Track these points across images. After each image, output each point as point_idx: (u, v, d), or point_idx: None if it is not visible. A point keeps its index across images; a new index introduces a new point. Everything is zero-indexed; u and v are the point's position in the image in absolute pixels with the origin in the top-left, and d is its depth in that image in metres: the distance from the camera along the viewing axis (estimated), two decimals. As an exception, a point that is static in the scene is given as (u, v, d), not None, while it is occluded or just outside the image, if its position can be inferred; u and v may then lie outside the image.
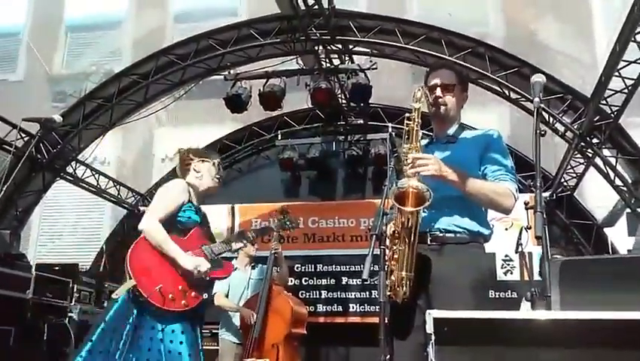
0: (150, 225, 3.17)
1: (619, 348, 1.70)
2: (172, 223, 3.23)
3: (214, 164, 3.60)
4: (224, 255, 3.50)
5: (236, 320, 5.20)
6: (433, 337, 1.78)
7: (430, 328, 1.79)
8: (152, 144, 9.96)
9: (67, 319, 6.02)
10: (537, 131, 2.29)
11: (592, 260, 2.31)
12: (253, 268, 5.50)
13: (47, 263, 7.03)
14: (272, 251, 4.95)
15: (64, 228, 10.05)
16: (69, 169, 7.79)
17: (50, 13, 10.61)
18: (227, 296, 5.40)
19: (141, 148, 10.00)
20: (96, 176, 8.22)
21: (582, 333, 1.69)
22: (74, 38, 10.81)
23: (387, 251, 2.45)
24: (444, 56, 6.03)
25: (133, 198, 8.75)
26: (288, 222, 4.66)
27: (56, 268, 6.38)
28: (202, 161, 3.57)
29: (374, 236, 2.42)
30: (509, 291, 7.08)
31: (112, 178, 8.55)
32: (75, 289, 6.28)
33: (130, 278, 3.02)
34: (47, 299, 5.84)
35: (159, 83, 7.11)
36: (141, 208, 8.46)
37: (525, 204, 2.34)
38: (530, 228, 2.03)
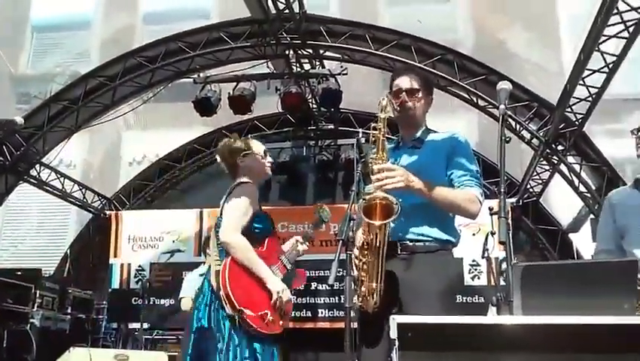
0: (238, 241, 2.97)
1: (578, 352, 1.72)
2: (248, 234, 3.03)
3: (264, 153, 3.39)
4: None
5: None
6: (397, 342, 1.78)
7: (394, 333, 1.79)
8: (120, 147, 9.78)
9: (28, 325, 5.88)
10: (502, 138, 2.31)
11: (553, 265, 2.33)
12: None
13: (9, 268, 6.88)
14: None
15: (27, 232, 9.79)
16: (33, 172, 7.61)
17: (16, 13, 10.37)
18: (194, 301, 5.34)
19: (109, 151, 9.81)
20: (61, 179, 8.05)
21: (542, 337, 1.71)
22: (39, 38, 10.56)
23: (356, 261, 2.46)
24: (414, 63, 6.08)
25: (99, 202, 8.59)
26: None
27: (18, 272, 6.22)
28: (248, 155, 3.31)
29: (341, 241, 2.44)
30: (476, 296, 7.17)
31: (77, 181, 8.39)
32: (37, 295, 6.13)
33: (236, 309, 2.86)
34: (7, 305, 5.69)
35: (127, 85, 7.00)
36: (107, 212, 8.32)
37: (490, 209, 2.35)
38: (495, 233, 2.03)
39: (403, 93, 2.66)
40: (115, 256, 7.98)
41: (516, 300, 1.79)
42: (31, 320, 5.95)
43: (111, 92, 7.05)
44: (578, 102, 5.55)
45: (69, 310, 6.66)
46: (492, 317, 1.76)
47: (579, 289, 1.75)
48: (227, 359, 2.89)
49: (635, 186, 2.75)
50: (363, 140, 3.05)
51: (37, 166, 7.61)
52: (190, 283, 5.42)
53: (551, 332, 1.72)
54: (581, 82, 5.26)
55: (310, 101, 7.33)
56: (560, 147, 6.22)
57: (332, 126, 8.10)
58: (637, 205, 2.66)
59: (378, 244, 2.34)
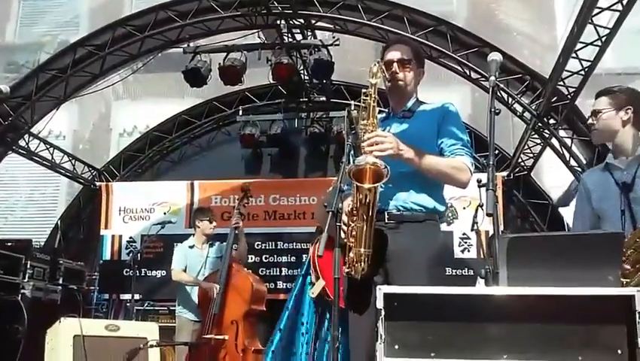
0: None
1: (563, 323, 1.74)
2: None
3: None
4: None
5: (194, 297, 5.17)
6: (383, 312, 1.79)
7: (380, 303, 1.80)
8: (109, 118, 9.72)
9: (19, 295, 5.88)
10: (492, 110, 2.29)
11: (539, 237, 2.35)
12: (210, 246, 5.46)
13: (-1, 239, 6.84)
14: (233, 227, 4.91)
15: (17, 203, 9.76)
16: (22, 142, 7.53)
17: (2, -20, 10.17)
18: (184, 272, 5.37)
19: (98, 122, 9.75)
20: (51, 150, 7.98)
21: (527, 308, 1.73)
22: (27, 6, 10.38)
23: (344, 227, 2.47)
24: (406, 34, 6.01)
25: (89, 173, 8.54)
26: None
27: (8, 243, 6.19)
28: None
29: (330, 213, 2.44)
30: (466, 268, 7.22)
31: (67, 152, 8.32)
32: (28, 266, 6.12)
33: (319, 278, 3.01)
34: (-2, 275, 5.69)
35: (116, 54, 6.88)
36: (97, 184, 8.27)
37: (479, 182, 2.37)
38: (483, 205, 2.03)
39: (395, 64, 2.65)
40: (106, 227, 7.96)
41: (502, 271, 1.80)
42: (22, 291, 5.94)
43: (100, 62, 6.93)
44: (571, 75, 5.52)
45: (60, 281, 6.66)
46: (477, 288, 1.77)
47: (564, 260, 1.76)
48: None
49: (606, 169, 2.76)
50: (355, 112, 3.03)
51: (26, 136, 7.52)
52: (180, 255, 5.44)
53: (536, 303, 1.73)
54: (574, 55, 5.23)
55: (302, 72, 7.26)
56: (552, 121, 6.21)
57: (324, 98, 8.04)
58: (612, 189, 2.68)
59: (367, 210, 2.34)
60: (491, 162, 2.18)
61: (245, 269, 5.04)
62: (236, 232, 4.89)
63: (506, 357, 1.72)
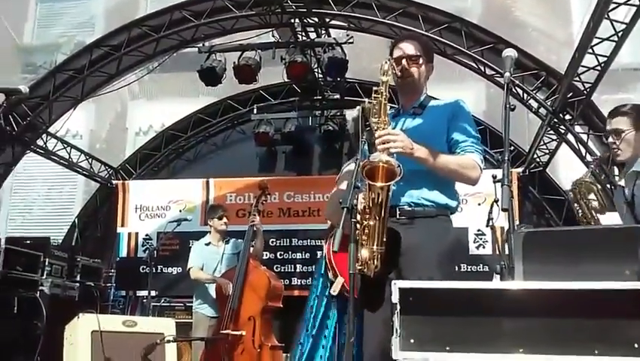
0: None
1: (579, 317, 1.74)
2: None
3: None
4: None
5: (211, 293, 5.21)
6: (398, 307, 1.80)
7: (395, 298, 1.81)
8: (125, 118, 9.80)
9: (38, 292, 5.97)
10: (507, 106, 2.30)
11: (555, 232, 2.35)
12: (226, 242, 5.50)
13: (18, 237, 6.94)
14: (251, 224, 4.93)
15: (35, 202, 9.89)
16: (40, 142, 7.64)
17: (19, -17, 10.30)
18: (201, 270, 5.42)
19: (114, 121, 9.85)
20: (68, 149, 8.07)
21: (543, 303, 1.73)
22: (44, 8, 10.51)
23: (357, 225, 2.48)
24: (420, 31, 6.00)
25: (106, 171, 8.63)
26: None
27: (27, 241, 6.29)
28: None
29: (345, 209, 2.45)
30: (481, 265, 7.21)
31: (84, 151, 8.41)
32: (47, 263, 6.21)
33: (337, 275, 3.11)
34: (18, 273, 5.78)
35: (131, 55, 6.95)
36: (114, 182, 8.36)
37: (494, 177, 2.37)
38: (498, 201, 2.04)
39: (404, 60, 2.64)
40: (122, 225, 8.04)
41: (517, 266, 1.81)
42: (40, 288, 6.04)
43: (116, 62, 7.01)
44: (586, 71, 5.47)
45: (78, 278, 6.75)
46: (492, 283, 1.78)
47: (581, 255, 1.76)
48: None
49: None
50: (368, 107, 3.04)
51: (43, 136, 7.62)
52: (197, 253, 5.49)
53: (552, 297, 1.73)
54: (590, 50, 5.18)
55: (316, 70, 7.28)
56: (568, 117, 6.17)
57: (338, 96, 8.04)
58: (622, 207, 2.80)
59: (380, 208, 2.35)
60: (506, 158, 2.18)
61: (262, 266, 5.06)
62: (254, 229, 4.92)
63: (522, 351, 1.73)
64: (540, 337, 1.72)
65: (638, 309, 1.70)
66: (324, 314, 3.42)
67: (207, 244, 5.52)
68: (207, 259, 5.42)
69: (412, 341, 1.79)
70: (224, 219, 5.48)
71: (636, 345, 1.69)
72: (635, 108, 2.93)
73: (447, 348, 1.77)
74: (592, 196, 2.98)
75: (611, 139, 2.90)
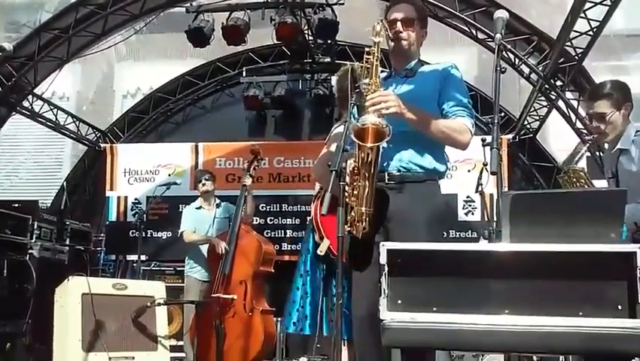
0: None
1: (565, 279, 1.77)
2: None
3: None
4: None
5: (204, 256, 5.24)
6: (386, 268, 1.82)
7: (383, 259, 1.83)
8: (112, 79, 9.66)
9: (27, 256, 5.96)
10: (498, 69, 2.28)
11: (542, 194, 2.37)
12: (218, 206, 5.51)
13: (6, 200, 6.89)
14: (243, 184, 4.92)
15: (22, 165, 9.79)
16: (26, 103, 7.51)
17: (1, -63, 9.97)
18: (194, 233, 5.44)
19: (101, 83, 9.70)
20: (54, 111, 7.96)
21: (529, 265, 1.75)
22: (27, -36, 10.21)
23: (346, 187, 2.48)
24: (413, -7, 5.90)
25: (94, 134, 8.54)
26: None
27: (15, 205, 6.25)
28: None
29: (333, 172, 2.45)
30: (469, 231, 7.27)
31: (71, 113, 8.30)
32: (36, 226, 6.19)
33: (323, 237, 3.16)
34: (6, 236, 5.75)
35: (118, 14, 6.78)
36: (102, 145, 8.28)
37: (483, 141, 2.38)
38: (487, 165, 2.04)
39: (399, 23, 2.63)
40: (111, 188, 8.00)
41: (504, 229, 1.82)
42: (29, 251, 6.03)
43: (102, 21, 6.85)
44: (579, 36, 5.42)
45: (67, 242, 6.74)
46: (478, 244, 1.79)
47: (567, 217, 1.77)
48: None
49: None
50: (358, 69, 3.02)
51: (29, 97, 7.50)
52: (188, 217, 5.51)
53: (537, 260, 1.75)
54: (582, 15, 5.13)
55: (306, 32, 7.17)
56: (559, 83, 6.15)
57: (329, 59, 7.95)
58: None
59: (369, 168, 2.36)
60: (496, 121, 2.18)
61: (254, 231, 5.07)
62: (245, 193, 4.92)
63: (507, 312, 1.75)
64: (526, 298, 1.75)
65: (622, 272, 1.72)
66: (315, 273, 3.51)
67: (198, 208, 5.54)
68: (198, 222, 5.45)
69: (399, 301, 1.82)
70: (203, 182, 5.50)
71: (619, 307, 1.73)
72: (613, 88, 2.95)
73: (434, 309, 1.80)
74: (584, 182, 3.04)
75: (594, 123, 2.93)
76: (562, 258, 1.74)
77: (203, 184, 5.51)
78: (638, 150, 2.80)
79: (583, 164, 7.19)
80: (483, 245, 1.76)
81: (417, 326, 1.75)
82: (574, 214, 1.79)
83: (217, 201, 5.58)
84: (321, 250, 3.38)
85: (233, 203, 5.37)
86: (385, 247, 1.83)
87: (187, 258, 5.58)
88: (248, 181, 4.89)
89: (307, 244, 3.63)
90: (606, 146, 3.10)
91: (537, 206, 1.84)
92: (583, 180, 3.04)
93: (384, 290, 1.80)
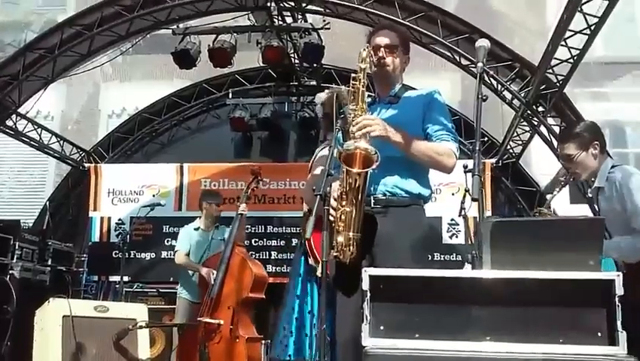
0: None
1: (545, 306, 1.78)
2: None
3: None
4: None
5: (195, 279, 5.19)
6: (368, 294, 1.83)
7: (366, 285, 1.83)
8: (98, 99, 9.64)
9: (8, 276, 5.87)
10: (480, 96, 2.32)
11: (522, 222, 2.40)
12: (217, 228, 5.47)
13: (-14, 219, 6.80)
14: (239, 212, 4.90)
15: (5, 184, 9.69)
16: (10, 122, 7.46)
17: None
18: (188, 255, 5.40)
19: (87, 103, 9.67)
20: (38, 130, 7.91)
21: (509, 291, 1.76)
22: (13, -16, 10.22)
23: (333, 212, 2.50)
24: (397, 19, 6.00)
25: (78, 154, 8.48)
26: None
27: (-3, 224, 6.17)
28: None
29: (318, 196, 2.46)
30: (454, 254, 7.30)
31: (55, 133, 8.25)
32: (17, 246, 6.10)
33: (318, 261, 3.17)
34: (-14, 256, 5.68)
35: (104, 35, 6.79)
36: (86, 165, 8.23)
37: (464, 167, 2.43)
38: (468, 190, 2.07)
39: (382, 49, 2.67)
40: (95, 209, 7.94)
41: (485, 255, 1.84)
42: (10, 271, 5.94)
43: (88, 42, 6.85)
44: (559, 63, 5.53)
45: (49, 263, 6.65)
46: (460, 271, 1.81)
47: (547, 245, 1.80)
48: None
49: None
50: (344, 93, 3.06)
51: (13, 117, 7.45)
52: (184, 237, 5.48)
53: (518, 286, 1.77)
54: (563, 43, 5.24)
55: (292, 56, 7.23)
56: (541, 109, 6.24)
57: (314, 83, 8.01)
58: None
59: (356, 194, 2.38)
60: (477, 148, 2.21)
61: (248, 255, 4.96)
62: (241, 216, 4.89)
63: (488, 339, 1.76)
64: (507, 325, 1.76)
65: (602, 299, 1.75)
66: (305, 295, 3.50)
67: (196, 229, 5.52)
68: (195, 243, 5.41)
69: (381, 328, 1.82)
70: (214, 205, 5.49)
71: (599, 334, 1.75)
72: (580, 130, 3.11)
73: (416, 335, 1.81)
74: None
75: (566, 164, 3.10)
76: (542, 285, 1.76)
77: (215, 209, 5.48)
78: (611, 188, 2.91)
79: (565, 190, 7.30)
80: (464, 272, 1.78)
81: (398, 352, 1.76)
82: (553, 242, 1.82)
83: (217, 223, 5.55)
84: (319, 273, 3.40)
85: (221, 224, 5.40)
86: (367, 272, 1.83)
87: (179, 279, 5.56)
88: (242, 206, 4.88)
89: (298, 266, 3.61)
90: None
91: (517, 233, 1.87)
92: None
93: (366, 316, 1.80)
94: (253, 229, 7.57)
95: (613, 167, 2.96)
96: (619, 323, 1.70)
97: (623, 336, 1.70)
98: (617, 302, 1.72)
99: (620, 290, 1.71)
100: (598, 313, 1.75)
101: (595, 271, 1.82)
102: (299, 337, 3.49)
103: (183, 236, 5.49)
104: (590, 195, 3.23)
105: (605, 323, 1.74)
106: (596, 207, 3.04)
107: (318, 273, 3.39)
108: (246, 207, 4.93)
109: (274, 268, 7.46)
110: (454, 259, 7.22)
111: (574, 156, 3.01)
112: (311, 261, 3.34)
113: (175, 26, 6.64)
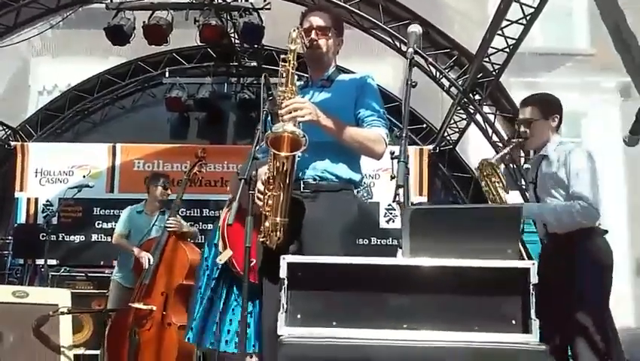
0: None
1: (462, 294, 1.78)
2: None
3: None
4: None
5: (132, 262, 5.02)
6: (286, 282, 1.78)
7: (283, 273, 1.78)
8: (28, 75, 9.15)
9: None
10: (409, 82, 2.29)
11: (441, 209, 2.41)
12: (162, 213, 5.26)
13: None
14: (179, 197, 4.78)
15: None
16: None
17: None
18: (127, 238, 5.21)
19: (15, 78, 9.16)
20: (-40, 106, 7.47)
21: (426, 279, 1.75)
22: None
23: (260, 196, 2.44)
24: (338, 2, 5.94)
25: (4, 132, 8.05)
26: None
27: None
28: None
29: (243, 180, 2.40)
30: (390, 238, 7.38)
31: (-21, 109, 7.81)
32: None
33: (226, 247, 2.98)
34: None
35: (32, 6, 6.44)
36: (12, 143, 7.82)
37: (391, 154, 2.42)
38: (394, 177, 2.05)
39: (314, 31, 2.62)
40: (21, 189, 7.59)
41: (404, 243, 1.81)
42: None
43: (14, 13, 6.48)
44: (496, 52, 5.63)
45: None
46: (379, 258, 1.78)
47: (465, 233, 1.79)
48: None
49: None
50: (271, 78, 2.98)
51: None
52: (125, 219, 5.28)
53: (436, 274, 1.76)
54: (500, 32, 5.32)
55: (232, 35, 7.07)
56: (477, 97, 6.35)
57: (255, 64, 7.88)
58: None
59: (284, 178, 2.33)
60: (404, 134, 2.18)
61: (185, 241, 4.81)
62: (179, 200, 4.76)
63: (405, 327, 1.75)
64: (424, 313, 1.75)
65: (517, 287, 1.76)
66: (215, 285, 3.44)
67: (139, 212, 5.31)
68: (136, 226, 5.21)
69: (298, 316, 1.78)
70: (168, 190, 5.29)
71: (514, 321, 1.76)
72: (541, 98, 3.13)
73: (334, 323, 1.77)
74: (495, 179, 3.16)
75: (522, 128, 3.06)
76: (459, 273, 1.76)
77: (162, 192, 5.26)
78: (557, 156, 2.94)
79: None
80: (381, 259, 1.75)
81: (315, 341, 1.72)
82: (472, 230, 1.81)
83: (163, 208, 5.34)
84: (221, 259, 3.31)
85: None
86: (285, 260, 1.78)
87: (116, 262, 5.38)
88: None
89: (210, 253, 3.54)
90: (531, 154, 3.23)
91: (436, 221, 1.86)
92: (496, 174, 3.17)
93: (283, 305, 1.75)
94: (188, 212, 7.41)
95: (561, 142, 3.02)
96: (533, 311, 1.71)
97: (536, 324, 1.71)
98: (531, 290, 1.73)
99: (534, 278, 1.72)
100: (514, 301, 1.76)
101: (513, 259, 1.82)
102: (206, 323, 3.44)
103: (123, 218, 5.30)
104: (529, 166, 3.29)
105: (520, 311, 1.75)
106: (535, 174, 3.06)
107: (218, 259, 3.33)
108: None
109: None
110: (390, 243, 7.31)
111: (534, 120, 3.02)
112: (220, 247, 3.30)
113: (108, 1, 6.36)
